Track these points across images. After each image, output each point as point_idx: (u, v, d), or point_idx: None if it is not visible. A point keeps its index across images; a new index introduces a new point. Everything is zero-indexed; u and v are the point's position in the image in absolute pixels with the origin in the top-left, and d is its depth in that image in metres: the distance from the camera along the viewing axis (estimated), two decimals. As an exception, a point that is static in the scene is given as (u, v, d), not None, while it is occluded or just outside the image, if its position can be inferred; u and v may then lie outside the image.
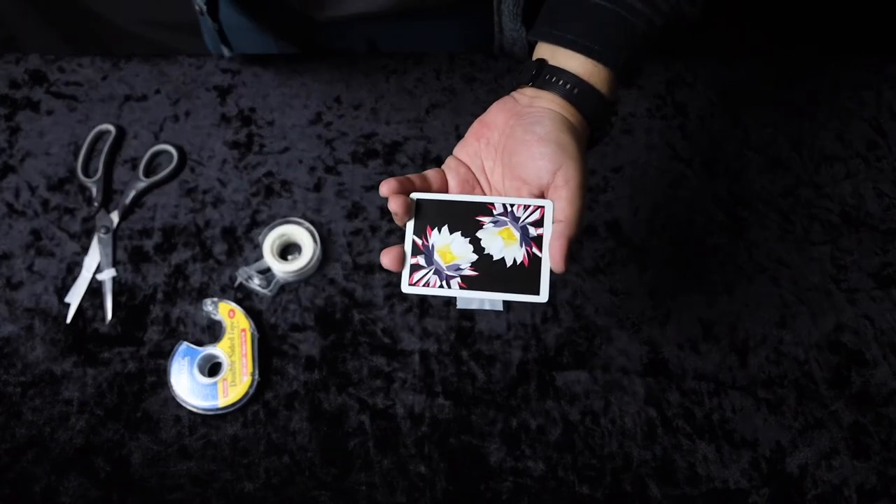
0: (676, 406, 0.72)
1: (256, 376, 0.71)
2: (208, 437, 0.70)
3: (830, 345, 0.75)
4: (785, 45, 0.95)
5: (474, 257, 0.53)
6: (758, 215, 0.81)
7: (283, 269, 0.75)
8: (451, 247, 0.54)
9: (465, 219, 0.54)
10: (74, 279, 0.76)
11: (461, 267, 0.53)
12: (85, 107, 0.85)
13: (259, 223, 0.79)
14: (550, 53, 0.56)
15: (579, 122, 0.55)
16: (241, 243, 0.78)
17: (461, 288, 0.53)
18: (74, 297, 0.75)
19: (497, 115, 0.56)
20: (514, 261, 0.53)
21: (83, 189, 0.81)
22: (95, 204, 0.79)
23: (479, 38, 0.85)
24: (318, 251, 0.76)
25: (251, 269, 0.76)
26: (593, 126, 0.56)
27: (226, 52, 0.85)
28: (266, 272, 0.76)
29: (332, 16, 0.80)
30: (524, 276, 0.52)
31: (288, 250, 0.78)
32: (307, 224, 0.77)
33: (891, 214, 0.81)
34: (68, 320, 0.74)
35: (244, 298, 0.76)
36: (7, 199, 0.80)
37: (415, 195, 0.54)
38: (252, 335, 0.72)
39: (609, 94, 0.56)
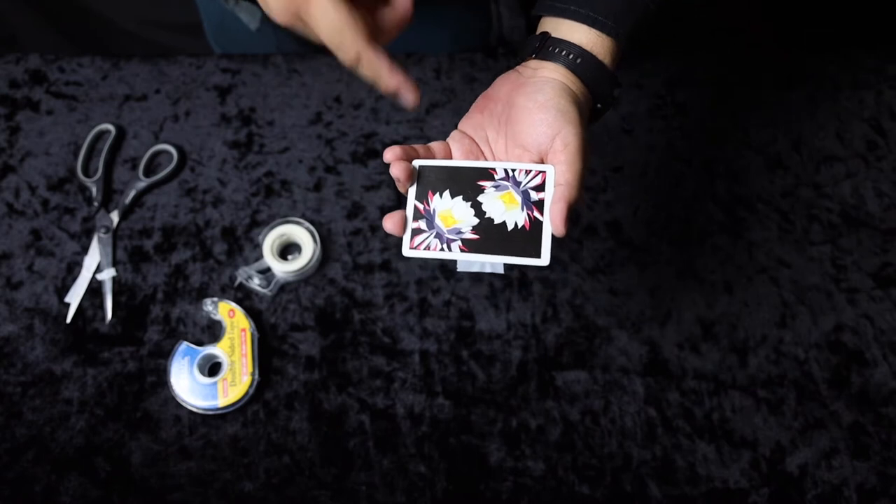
0: (676, 406, 0.72)
1: (256, 376, 0.71)
2: (208, 437, 0.70)
3: (830, 345, 0.75)
4: (785, 45, 0.95)
5: (476, 221, 0.53)
6: (758, 215, 0.81)
7: (283, 269, 0.75)
8: (452, 211, 0.54)
9: (467, 184, 0.54)
10: (74, 279, 0.76)
11: (462, 231, 0.53)
12: (85, 107, 0.85)
13: (259, 223, 0.79)
14: (554, 26, 0.57)
15: (582, 91, 0.55)
16: (241, 243, 0.78)
17: (462, 251, 0.53)
18: (74, 296, 0.75)
19: (500, 88, 0.57)
20: (516, 224, 0.53)
21: (83, 189, 0.81)
22: (95, 204, 0.79)
23: (477, 31, 0.85)
24: (318, 251, 0.76)
25: (251, 269, 0.76)
26: (597, 97, 0.56)
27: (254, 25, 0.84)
28: (266, 272, 0.76)
29: None
30: (526, 239, 0.52)
31: (288, 250, 0.78)
32: (307, 224, 0.77)
33: (891, 214, 0.81)
34: (68, 320, 0.75)
35: (244, 298, 0.76)
36: (7, 199, 0.80)
37: (417, 162, 0.54)
38: (252, 335, 0.72)
39: (612, 64, 0.56)
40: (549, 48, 0.56)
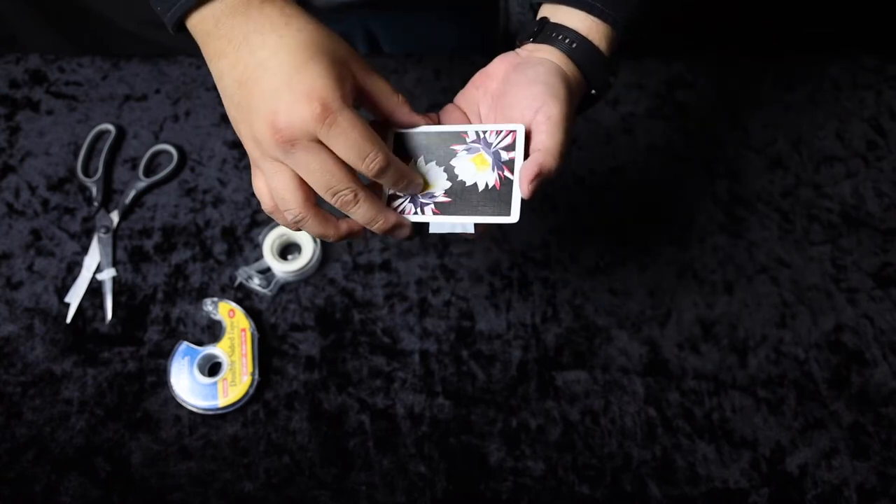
0: (676, 406, 0.72)
1: (256, 376, 0.71)
2: (208, 437, 0.70)
3: (830, 345, 0.75)
4: (785, 45, 0.95)
5: (448, 184, 0.55)
6: (758, 215, 0.81)
7: (283, 269, 0.75)
8: (426, 176, 0.55)
9: (440, 149, 0.55)
10: (74, 279, 0.76)
11: (435, 194, 0.55)
12: (85, 107, 0.85)
13: (259, 223, 0.79)
14: (552, 11, 0.58)
15: (575, 75, 0.56)
16: (241, 243, 0.78)
17: (434, 214, 0.54)
18: (74, 296, 0.75)
19: (498, 66, 0.58)
20: (486, 185, 0.53)
21: (83, 189, 0.81)
22: (95, 204, 0.79)
23: (480, 30, 0.85)
24: (317, 251, 0.76)
25: (251, 269, 0.76)
26: (592, 83, 0.57)
27: None
28: (266, 272, 0.76)
29: (329, 2, 0.80)
30: (496, 198, 0.53)
31: (288, 250, 0.78)
32: (307, 224, 0.77)
33: (891, 214, 0.81)
34: (68, 320, 0.74)
35: (244, 298, 0.76)
36: (7, 199, 0.80)
37: (394, 130, 0.56)
38: (252, 335, 0.72)
39: (608, 51, 0.57)
40: (546, 33, 0.57)
